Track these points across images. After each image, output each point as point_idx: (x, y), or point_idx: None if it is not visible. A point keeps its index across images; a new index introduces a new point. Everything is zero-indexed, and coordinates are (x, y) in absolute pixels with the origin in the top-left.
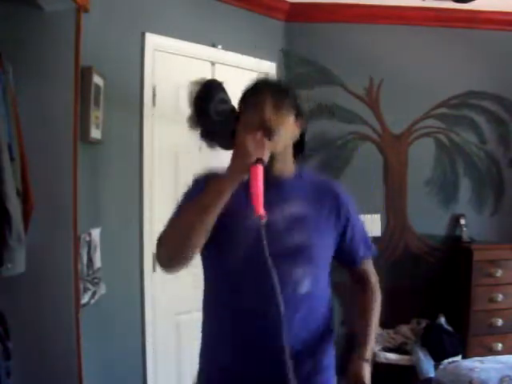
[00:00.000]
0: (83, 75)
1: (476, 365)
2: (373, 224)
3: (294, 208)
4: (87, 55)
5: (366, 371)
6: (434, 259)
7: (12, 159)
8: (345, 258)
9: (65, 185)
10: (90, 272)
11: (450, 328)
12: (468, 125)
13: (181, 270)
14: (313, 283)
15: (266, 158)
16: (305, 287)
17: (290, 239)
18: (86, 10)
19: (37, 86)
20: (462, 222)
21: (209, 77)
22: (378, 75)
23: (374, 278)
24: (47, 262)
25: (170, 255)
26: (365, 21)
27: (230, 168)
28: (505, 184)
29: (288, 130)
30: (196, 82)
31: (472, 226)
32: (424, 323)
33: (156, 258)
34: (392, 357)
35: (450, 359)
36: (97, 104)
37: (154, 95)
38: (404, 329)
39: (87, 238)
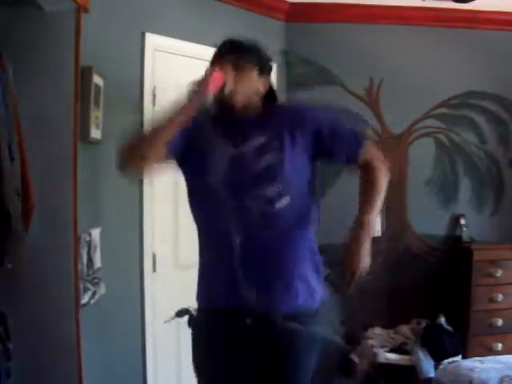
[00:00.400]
0: (83, 75)
1: (476, 365)
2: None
3: (260, 140)
4: (87, 55)
5: (363, 240)
6: (434, 259)
7: (12, 159)
8: (336, 162)
9: (65, 185)
10: (90, 272)
11: (450, 328)
12: (468, 125)
13: (137, 170)
14: (288, 201)
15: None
16: (278, 204)
17: (258, 165)
18: (86, 10)
19: (37, 86)
20: (462, 222)
21: None
22: (378, 75)
23: (376, 163)
24: (47, 262)
25: (135, 151)
26: (365, 21)
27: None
28: (505, 184)
29: (249, 83)
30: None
31: (472, 226)
32: (424, 323)
33: (117, 160)
34: (392, 357)
35: (450, 359)
36: (97, 104)
37: (154, 95)
38: (404, 329)
39: (87, 238)
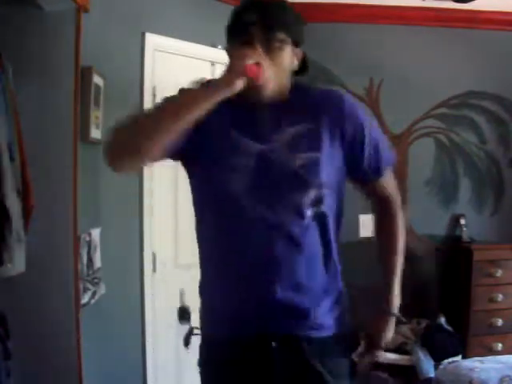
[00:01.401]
0: (83, 75)
1: (476, 365)
2: (373, 224)
3: (291, 130)
4: (87, 55)
5: (390, 328)
6: (433, 259)
7: (12, 159)
8: (357, 175)
9: (65, 185)
10: (90, 272)
11: (450, 328)
12: (468, 125)
13: (128, 167)
14: (323, 210)
15: (264, 75)
16: (313, 212)
17: (294, 163)
18: (86, 10)
19: (37, 85)
20: (462, 222)
21: (209, 77)
22: (378, 75)
23: (394, 197)
24: (47, 261)
25: (130, 141)
26: (365, 21)
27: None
28: (505, 184)
29: (284, 65)
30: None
31: (472, 225)
32: (424, 323)
33: (105, 147)
34: (392, 357)
35: (450, 359)
36: (97, 104)
37: (154, 95)
38: (404, 329)
39: (87, 238)
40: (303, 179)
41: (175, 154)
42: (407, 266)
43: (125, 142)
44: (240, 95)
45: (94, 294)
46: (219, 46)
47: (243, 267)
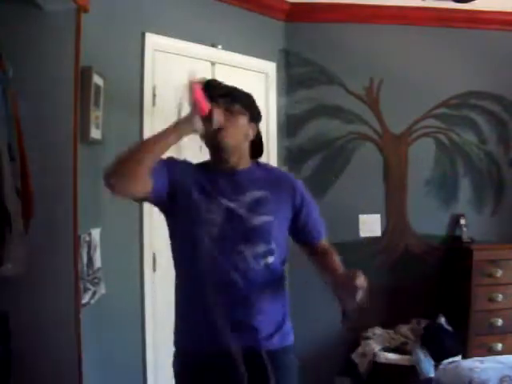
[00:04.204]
0: (83, 75)
1: (476, 365)
2: (373, 224)
3: (253, 194)
4: (87, 55)
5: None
6: (433, 259)
7: (12, 159)
8: (303, 236)
9: (65, 185)
10: (90, 272)
11: (449, 328)
12: (468, 125)
13: (126, 190)
14: (273, 260)
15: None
16: (265, 261)
17: (250, 221)
18: (86, 10)
19: (37, 86)
20: (462, 222)
21: (209, 77)
22: (378, 75)
23: (330, 247)
24: (47, 262)
25: (121, 165)
26: (365, 21)
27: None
28: (505, 184)
29: (239, 125)
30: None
31: (472, 225)
32: (424, 323)
33: (104, 176)
34: (392, 357)
35: (450, 359)
36: (97, 104)
37: (154, 95)
38: (404, 329)
39: (87, 238)
40: (258, 235)
41: (159, 202)
42: (407, 266)
43: (118, 167)
44: (214, 164)
45: (94, 293)
46: (219, 46)
47: (210, 299)
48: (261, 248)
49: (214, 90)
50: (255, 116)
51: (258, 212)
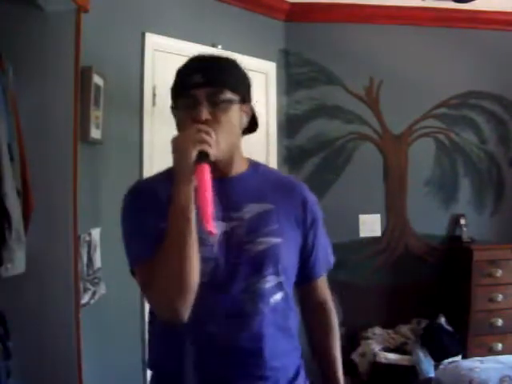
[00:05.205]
0: (83, 75)
1: (476, 365)
2: (373, 224)
3: (252, 208)
4: (87, 55)
5: None
6: (434, 259)
7: (12, 159)
8: (303, 271)
9: (65, 185)
10: (90, 272)
11: (450, 328)
12: (468, 125)
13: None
14: (282, 296)
15: (213, 152)
16: (273, 299)
17: (253, 247)
18: (86, 10)
19: (37, 85)
20: (462, 222)
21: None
22: (378, 75)
23: (330, 305)
24: (47, 262)
25: (170, 294)
26: (364, 21)
27: (175, 171)
28: (505, 184)
29: (233, 124)
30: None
31: (472, 225)
32: (424, 323)
33: (154, 308)
34: (392, 357)
35: (450, 359)
36: (97, 104)
37: (154, 95)
38: (404, 329)
39: (87, 238)
40: (266, 262)
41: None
42: (407, 266)
43: (170, 294)
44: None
45: (93, 293)
46: (219, 46)
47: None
48: (269, 281)
49: (191, 80)
50: (247, 90)
51: (260, 233)
